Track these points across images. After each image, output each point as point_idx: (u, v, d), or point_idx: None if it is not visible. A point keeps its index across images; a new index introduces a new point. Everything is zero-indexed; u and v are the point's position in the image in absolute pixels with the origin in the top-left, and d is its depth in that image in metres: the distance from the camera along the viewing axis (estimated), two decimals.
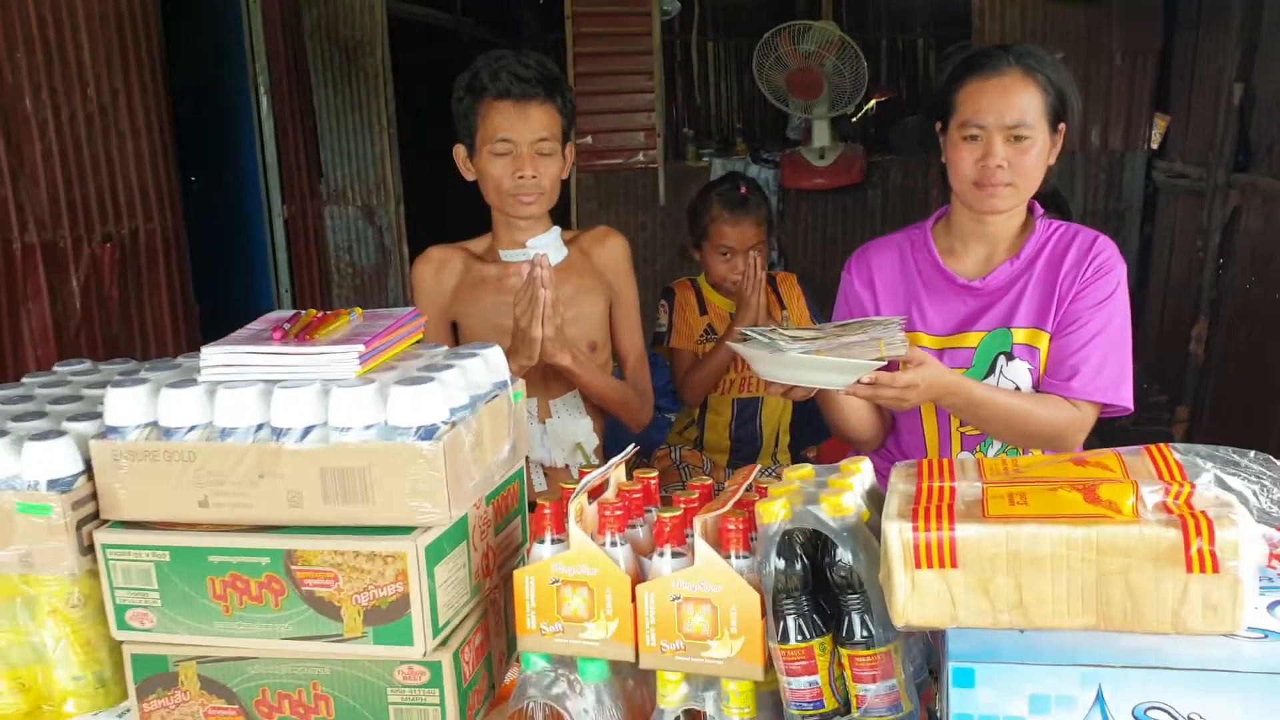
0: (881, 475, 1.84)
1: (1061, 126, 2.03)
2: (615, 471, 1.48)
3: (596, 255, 2.44)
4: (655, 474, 1.49)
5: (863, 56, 5.15)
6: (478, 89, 2.26)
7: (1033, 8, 5.10)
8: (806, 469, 1.42)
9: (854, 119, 6.33)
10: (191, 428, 1.32)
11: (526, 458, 2.40)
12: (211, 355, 1.35)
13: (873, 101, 6.79)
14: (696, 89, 7.14)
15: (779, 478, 1.43)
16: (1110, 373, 1.98)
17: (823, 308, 2.89)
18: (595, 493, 1.45)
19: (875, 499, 1.38)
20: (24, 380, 1.66)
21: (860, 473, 1.39)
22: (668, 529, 1.32)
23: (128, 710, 1.47)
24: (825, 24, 5.16)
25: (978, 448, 2.08)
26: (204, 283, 5.04)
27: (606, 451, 3.26)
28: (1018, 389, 2.02)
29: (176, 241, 4.73)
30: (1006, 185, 1.96)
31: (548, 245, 2.30)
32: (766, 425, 3.08)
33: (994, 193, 1.97)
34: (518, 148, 2.24)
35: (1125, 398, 2.00)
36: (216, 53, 5.46)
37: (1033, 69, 1.97)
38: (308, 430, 1.29)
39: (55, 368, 1.72)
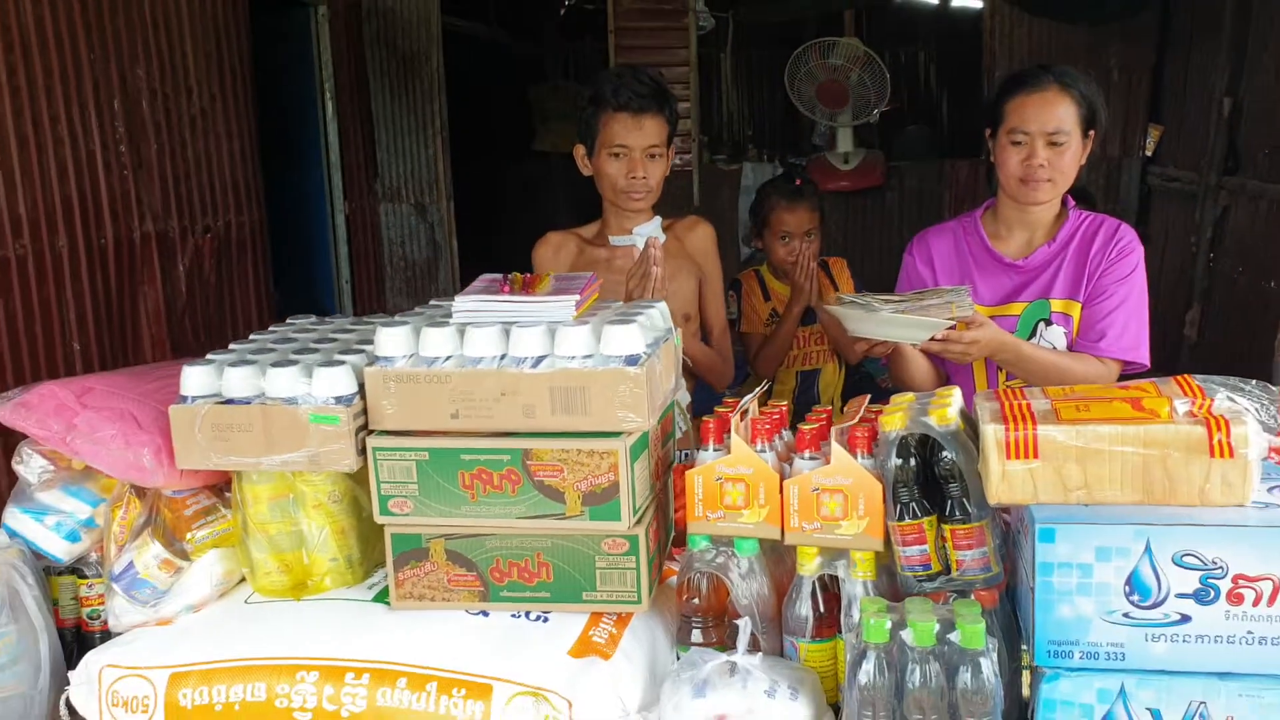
0: None
1: (1091, 133, 2.40)
2: (753, 404, 1.86)
3: (688, 241, 2.81)
4: (785, 404, 1.87)
5: (886, 71, 5.54)
6: (601, 100, 2.62)
7: (1038, 28, 5.48)
8: (910, 395, 1.79)
9: (862, 121, 6.68)
10: (447, 357, 1.68)
11: None
12: (461, 303, 1.72)
13: (876, 113, 7.16)
14: (722, 100, 7.51)
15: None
16: (1131, 335, 2.36)
17: (868, 289, 3.27)
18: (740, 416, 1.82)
19: (965, 416, 1.76)
20: (272, 329, 2.02)
21: (954, 396, 1.76)
22: (808, 437, 1.69)
23: (374, 584, 1.84)
24: (851, 40, 5.55)
25: None
26: (276, 272, 5.40)
27: (696, 410, 3.65)
28: (1055, 349, 2.39)
29: (261, 234, 5.10)
30: (1046, 181, 2.34)
31: (651, 232, 2.67)
32: (824, 393, 3.46)
33: (1036, 188, 2.34)
34: (632, 153, 2.61)
35: (1144, 356, 2.38)
36: (290, 63, 5.82)
37: (1069, 85, 2.35)
38: (539, 359, 1.66)
39: (290, 320, 2.08)
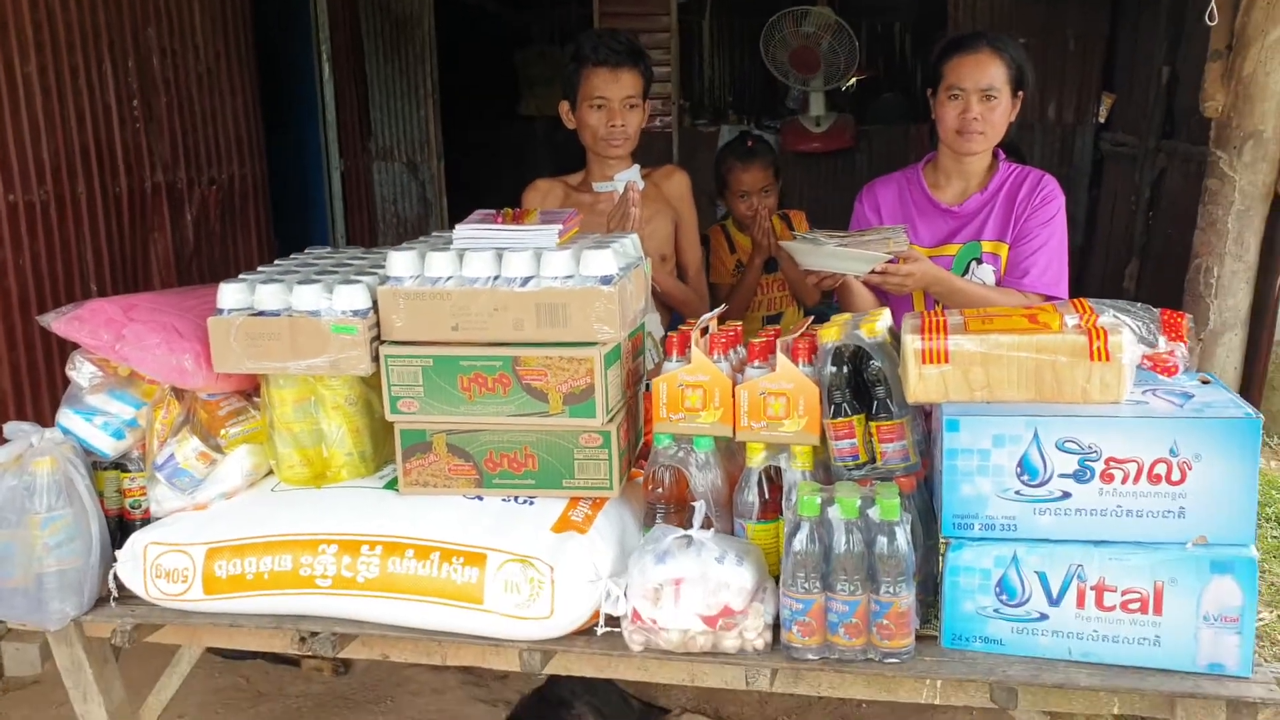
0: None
1: (1020, 94, 2.64)
2: (713, 322, 2.11)
3: (665, 187, 3.05)
4: (739, 324, 2.12)
5: (855, 38, 5.76)
6: (582, 57, 2.86)
7: (1000, 0, 5.71)
8: (846, 315, 2.04)
9: (843, 89, 6.91)
10: (449, 278, 1.92)
11: None
12: (461, 231, 1.96)
13: (852, 80, 7.37)
14: (703, 64, 7.72)
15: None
16: (1053, 272, 2.62)
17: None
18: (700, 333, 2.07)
19: (892, 331, 2.01)
20: (294, 256, 2.26)
21: (884, 314, 2.01)
22: (758, 348, 1.95)
23: (384, 475, 2.09)
24: (823, 9, 5.76)
25: None
26: (275, 225, 5.59)
27: None
28: (985, 284, 2.65)
29: (262, 186, 5.30)
30: (979, 134, 2.58)
31: (631, 177, 2.91)
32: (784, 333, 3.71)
33: (970, 138, 2.59)
34: (611, 103, 2.85)
35: (1063, 290, 2.63)
36: (289, 26, 5.98)
37: (1000, 49, 2.59)
38: (527, 279, 1.90)
39: (308, 250, 2.32)
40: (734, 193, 3.70)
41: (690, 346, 1.95)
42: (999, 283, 2.65)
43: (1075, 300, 1.95)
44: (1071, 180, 5.94)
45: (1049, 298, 2.63)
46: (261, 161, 5.30)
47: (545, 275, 1.90)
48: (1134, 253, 4.53)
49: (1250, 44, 2.59)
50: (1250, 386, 2.79)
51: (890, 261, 2.42)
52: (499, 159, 7.86)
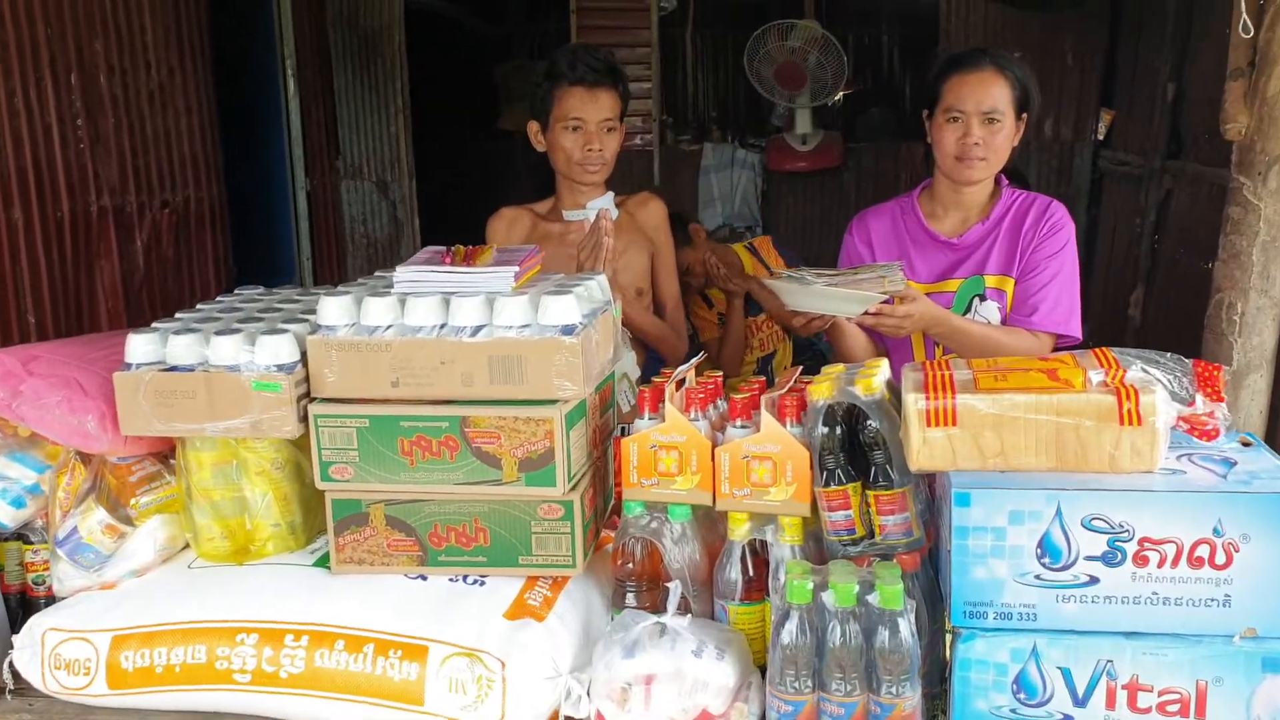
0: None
1: (1025, 115, 2.45)
2: (690, 373, 1.90)
3: (640, 216, 2.84)
4: (721, 374, 1.91)
5: (844, 53, 5.58)
6: (556, 75, 2.65)
7: (994, 13, 5.54)
8: (839, 366, 1.84)
9: (830, 105, 6.74)
10: (388, 326, 1.71)
11: None
12: (402, 273, 1.75)
13: (839, 95, 7.20)
14: (686, 80, 7.54)
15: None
16: (1063, 309, 2.42)
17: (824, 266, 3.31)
18: (676, 386, 1.86)
19: (891, 387, 1.80)
20: (219, 299, 2.04)
21: (881, 367, 1.80)
22: (740, 406, 1.73)
23: (315, 549, 1.87)
24: (809, 23, 5.58)
25: None
26: (235, 248, 5.38)
27: (646, 381, 3.71)
28: (989, 323, 2.45)
29: (220, 209, 5.08)
30: (980, 159, 2.39)
31: (604, 205, 2.70)
32: (776, 371, 3.51)
33: (971, 165, 2.39)
34: (587, 125, 2.64)
35: (1075, 328, 2.44)
36: (250, 38, 5.78)
37: (1004, 67, 2.40)
38: (478, 329, 1.69)
39: (237, 290, 2.10)
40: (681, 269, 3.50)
41: (664, 402, 1.74)
42: (1005, 321, 2.45)
43: (1098, 351, 1.74)
44: (1070, 200, 5.74)
45: (1060, 337, 2.44)
46: (219, 183, 5.09)
47: (498, 324, 1.69)
48: (1139, 279, 4.34)
49: (1276, 62, 2.40)
50: (1277, 433, 2.59)
51: (886, 302, 2.22)
52: (477, 176, 7.65)
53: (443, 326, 1.70)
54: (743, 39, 5.82)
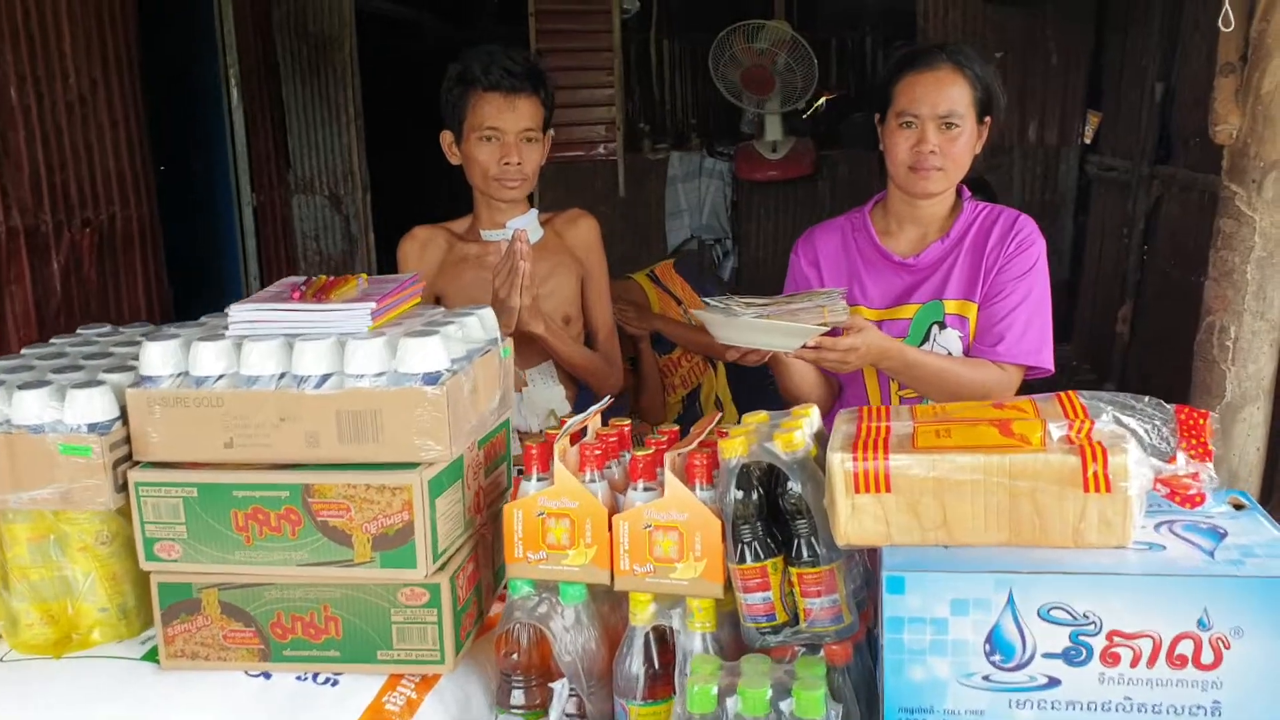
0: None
1: (988, 119, 2.21)
2: (593, 420, 1.65)
3: (569, 235, 2.59)
4: (629, 422, 1.66)
5: (813, 54, 5.34)
6: (469, 80, 2.40)
7: (974, 10, 5.31)
8: (762, 414, 1.59)
9: (805, 115, 6.52)
10: (219, 377, 1.46)
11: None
12: (238, 312, 1.49)
13: (823, 99, 6.97)
14: (654, 86, 7.29)
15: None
16: (1032, 338, 2.17)
17: (737, 287, 3.03)
18: (574, 438, 1.61)
19: (821, 440, 1.55)
20: (53, 341, 1.79)
21: (809, 416, 1.55)
22: (641, 465, 1.48)
23: (150, 638, 1.61)
24: (778, 23, 5.34)
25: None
26: (175, 268, 5.14)
27: None
28: (950, 354, 2.20)
29: (150, 227, 4.82)
30: (937, 169, 2.14)
31: (526, 225, 2.46)
32: (705, 403, 3.25)
33: (926, 176, 2.15)
34: (505, 136, 2.39)
35: (1046, 360, 2.19)
36: (188, 45, 5.54)
37: (963, 65, 2.15)
38: (325, 378, 1.43)
39: (79, 330, 1.85)
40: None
41: (553, 460, 1.49)
42: (967, 351, 2.20)
43: (1063, 395, 1.50)
44: (1056, 207, 5.54)
45: (1030, 369, 2.19)
46: (150, 199, 4.83)
47: (349, 372, 1.44)
48: (1127, 293, 4.10)
49: (1270, 55, 2.15)
50: (1276, 473, 2.34)
51: (829, 333, 1.97)
52: (440, 187, 7.39)
53: (283, 376, 1.45)
54: (711, 41, 5.57)
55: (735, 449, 1.43)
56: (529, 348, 2.48)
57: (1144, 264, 4.04)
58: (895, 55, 2.27)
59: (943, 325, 2.20)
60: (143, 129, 4.75)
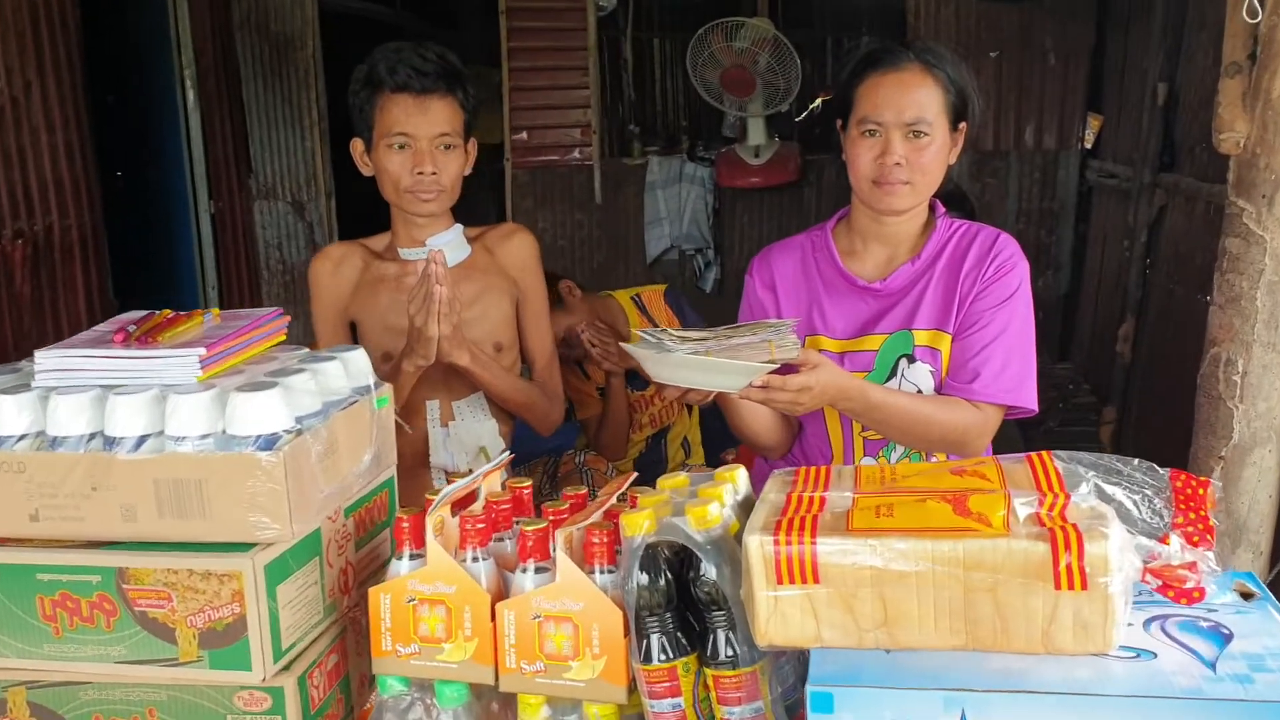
0: None
1: (962, 125, 1.98)
2: (487, 481, 1.42)
3: (502, 253, 2.36)
4: (528, 484, 1.43)
5: (795, 54, 5.11)
6: (375, 82, 2.18)
7: (966, 8, 5.08)
8: (681, 477, 1.36)
9: (798, 119, 6.29)
10: (22, 436, 1.23)
11: (429, 463, 2.35)
12: (46, 359, 1.27)
13: (818, 101, 6.74)
14: (629, 85, 7.06)
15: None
16: (1013, 374, 1.94)
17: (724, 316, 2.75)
18: (465, 502, 1.38)
19: (748, 509, 1.32)
20: None
21: (734, 482, 1.33)
22: (531, 542, 1.25)
23: None
24: (759, 21, 5.11)
25: (880, 452, 2.03)
26: (127, 280, 4.92)
27: (515, 465, 3.18)
28: (920, 392, 1.97)
29: (94, 238, 4.59)
30: (904, 184, 1.91)
31: (448, 243, 2.24)
32: (672, 444, 3.00)
33: (892, 190, 1.92)
34: (417, 143, 2.17)
35: (1029, 399, 1.95)
36: (141, 44, 5.33)
37: (932, 65, 1.92)
38: (142, 440, 1.21)
39: None
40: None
41: (426, 534, 1.26)
42: (939, 388, 1.97)
43: (1035, 458, 1.27)
44: (1056, 216, 5.31)
45: (1011, 408, 1.96)
46: (93, 208, 4.60)
47: (171, 433, 1.21)
48: (1128, 310, 3.87)
49: None
50: None
51: (781, 370, 1.73)
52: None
53: (94, 436, 1.22)
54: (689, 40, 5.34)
55: (639, 525, 1.20)
56: (456, 379, 2.26)
57: (1146, 280, 3.81)
58: (855, 54, 2.03)
59: (911, 359, 1.97)
60: (85, 133, 4.52)
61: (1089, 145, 5.17)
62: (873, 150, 1.91)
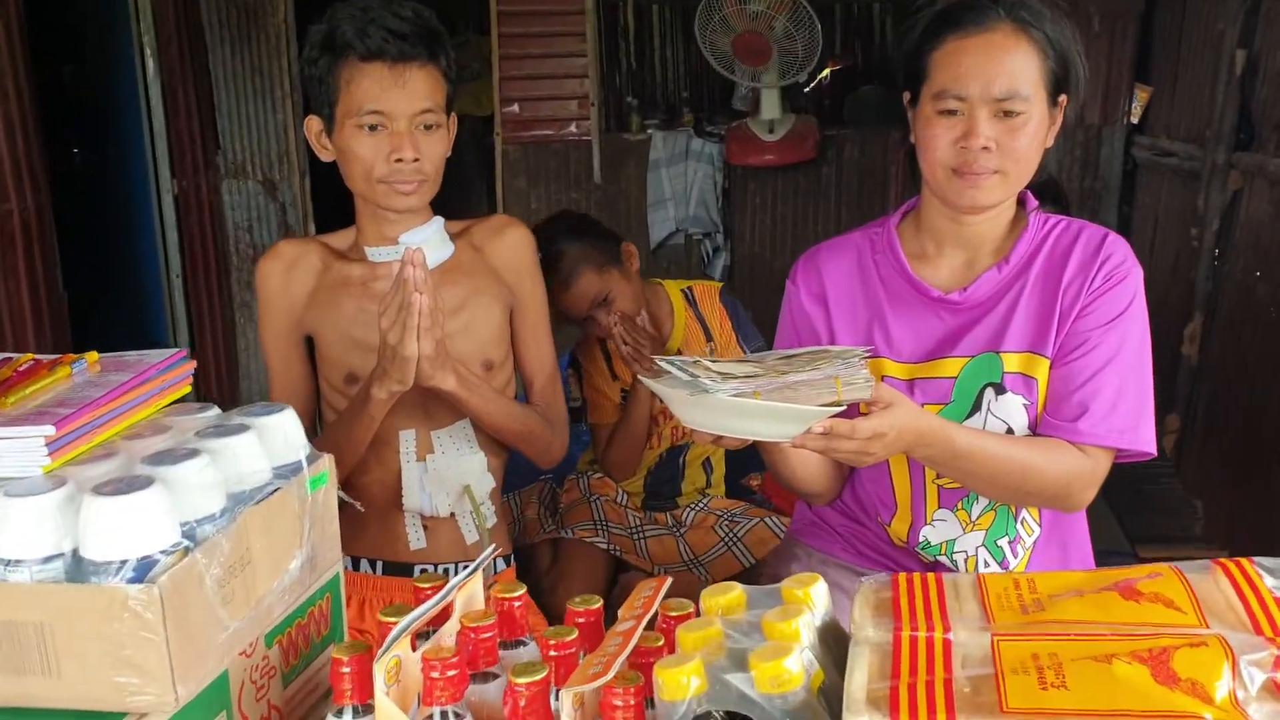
0: (840, 548, 1.46)
1: (1062, 99, 1.62)
2: (466, 590, 1.06)
3: (493, 251, 2.00)
4: (521, 590, 1.06)
5: (816, 19, 4.73)
6: (339, 47, 1.80)
7: None
8: (735, 593, 1.00)
9: (807, 89, 5.90)
10: None
11: (403, 508, 2.00)
12: None
13: (827, 70, 6.36)
14: (631, 54, 6.67)
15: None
16: (1127, 410, 1.58)
17: (765, 323, 2.36)
18: (440, 619, 1.02)
19: (834, 641, 0.97)
20: None
21: (810, 604, 0.97)
22: (523, 702, 0.89)
23: None
24: None
25: (959, 504, 1.67)
26: (80, 270, 4.57)
27: (507, 493, 2.80)
28: (1010, 431, 1.61)
29: (39, 222, 4.22)
30: (994, 173, 1.55)
31: (427, 240, 1.86)
32: (691, 465, 2.63)
33: (976, 183, 1.56)
34: (394, 122, 1.79)
35: (1145, 440, 1.60)
36: (95, 9, 4.94)
37: (1029, 24, 1.56)
38: None
39: None
40: (569, 321, 2.55)
41: (376, 683, 0.90)
42: (1034, 426, 1.61)
43: (1228, 565, 0.92)
44: (1099, 196, 4.95)
45: (1123, 452, 1.60)
46: (40, 190, 4.22)
47: (1, 555, 0.84)
48: (1195, 306, 3.51)
49: None
50: None
51: (842, 413, 1.38)
52: None
53: None
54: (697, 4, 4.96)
55: (683, 685, 0.84)
56: (436, 403, 1.90)
57: (1217, 272, 3.45)
58: (928, 10, 1.66)
59: (1000, 389, 1.60)
60: (26, 107, 4.14)
61: (1135, 120, 4.79)
62: (953, 131, 1.54)
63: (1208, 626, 0.84)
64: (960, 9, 1.60)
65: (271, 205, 5.64)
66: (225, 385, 5.57)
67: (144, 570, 0.83)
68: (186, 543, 0.86)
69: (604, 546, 2.49)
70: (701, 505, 2.63)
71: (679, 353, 2.53)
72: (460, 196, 7.55)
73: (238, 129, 5.55)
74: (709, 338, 2.61)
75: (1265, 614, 0.85)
